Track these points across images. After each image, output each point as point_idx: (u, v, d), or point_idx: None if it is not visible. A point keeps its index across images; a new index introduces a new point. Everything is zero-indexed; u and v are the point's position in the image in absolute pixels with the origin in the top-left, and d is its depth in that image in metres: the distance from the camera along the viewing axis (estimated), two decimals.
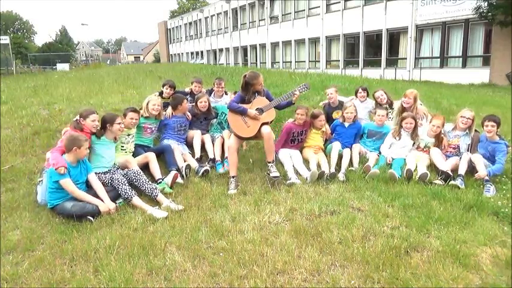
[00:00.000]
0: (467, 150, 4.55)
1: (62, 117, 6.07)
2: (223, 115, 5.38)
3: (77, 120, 4.04)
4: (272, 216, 3.46)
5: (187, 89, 6.27)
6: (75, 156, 3.61)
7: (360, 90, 5.90)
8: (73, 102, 7.25)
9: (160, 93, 5.77)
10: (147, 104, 4.73)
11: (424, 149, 4.83)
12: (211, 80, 7.87)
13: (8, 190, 4.09)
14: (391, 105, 5.63)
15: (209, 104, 5.33)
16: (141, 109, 4.75)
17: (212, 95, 6.01)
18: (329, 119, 5.47)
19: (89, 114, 4.03)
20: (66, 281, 2.58)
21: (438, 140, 4.78)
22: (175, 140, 4.96)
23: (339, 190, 4.08)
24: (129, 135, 4.45)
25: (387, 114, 5.27)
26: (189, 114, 5.19)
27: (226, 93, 6.07)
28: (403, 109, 5.24)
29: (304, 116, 4.85)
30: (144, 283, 2.53)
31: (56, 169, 3.44)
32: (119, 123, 4.12)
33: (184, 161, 4.69)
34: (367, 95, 5.91)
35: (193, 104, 5.42)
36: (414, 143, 4.89)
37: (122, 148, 4.40)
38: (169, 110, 5.09)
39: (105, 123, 4.10)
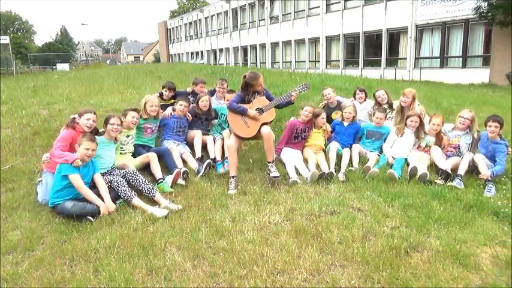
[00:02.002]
0: (468, 150, 4.56)
1: (62, 117, 6.05)
2: (223, 116, 5.36)
3: (74, 118, 4.01)
4: (272, 216, 3.46)
5: (188, 89, 6.26)
6: (79, 154, 3.62)
7: (358, 91, 5.85)
8: (73, 102, 7.25)
9: (160, 95, 5.77)
10: (145, 105, 4.71)
11: (425, 149, 4.82)
12: (211, 80, 7.89)
13: (8, 190, 4.09)
14: (391, 106, 5.60)
15: (210, 104, 5.35)
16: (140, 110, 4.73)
17: (215, 95, 6.01)
18: (328, 121, 5.45)
19: (84, 112, 3.99)
20: (66, 281, 2.58)
21: (438, 138, 4.78)
22: (175, 140, 4.97)
23: (339, 190, 4.08)
24: (128, 136, 4.44)
25: (386, 116, 5.24)
26: (189, 115, 5.19)
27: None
28: (401, 108, 5.27)
29: (311, 114, 4.93)
30: (144, 283, 2.53)
31: (71, 162, 3.48)
32: (112, 124, 4.06)
33: (184, 162, 4.69)
34: (366, 96, 5.89)
35: (195, 104, 5.40)
36: (415, 143, 4.88)
37: (122, 149, 4.39)
38: (169, 110, 5.10)
39: (104, 123, 4.11)
